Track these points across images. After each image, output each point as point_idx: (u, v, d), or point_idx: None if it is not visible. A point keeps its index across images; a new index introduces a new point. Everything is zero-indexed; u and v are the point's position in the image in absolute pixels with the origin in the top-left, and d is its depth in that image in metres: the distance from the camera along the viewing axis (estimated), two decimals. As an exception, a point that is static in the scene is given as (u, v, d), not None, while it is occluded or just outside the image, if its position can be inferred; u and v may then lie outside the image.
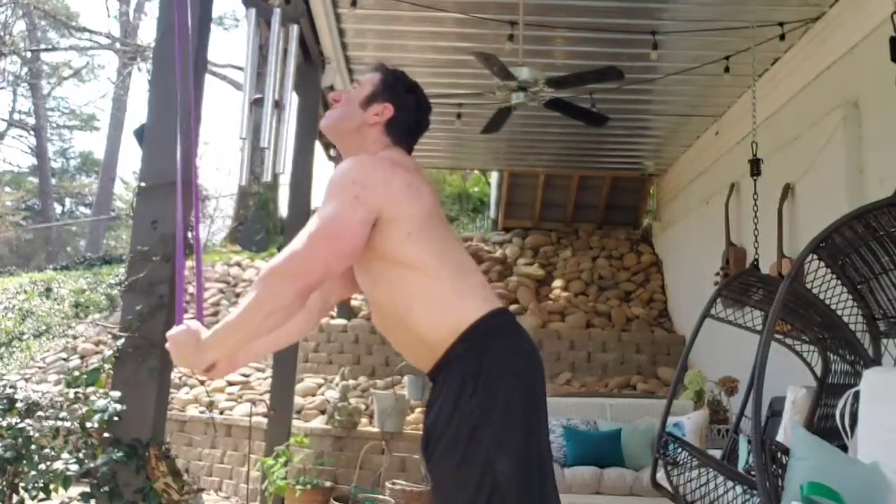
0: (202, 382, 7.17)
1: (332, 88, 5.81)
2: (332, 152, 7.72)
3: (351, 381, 6.66)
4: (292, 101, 3.11)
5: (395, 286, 1.72)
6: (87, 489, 2.62)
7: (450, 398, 1.64)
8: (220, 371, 1.75)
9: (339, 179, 1.71)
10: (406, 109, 1.89)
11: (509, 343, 1.70)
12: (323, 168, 7.54)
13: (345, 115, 1.88)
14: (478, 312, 1.69)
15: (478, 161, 8.95)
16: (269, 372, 6.53)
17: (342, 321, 7.89)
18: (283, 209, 10.70)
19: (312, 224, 1.66)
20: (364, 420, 6.16)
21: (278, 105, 2.72)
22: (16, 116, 23.49)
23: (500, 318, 1.72)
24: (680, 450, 3.20)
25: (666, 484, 3.27)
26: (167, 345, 1.72)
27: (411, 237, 1.69)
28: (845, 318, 3.17)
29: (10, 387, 2.73)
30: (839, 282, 3.11)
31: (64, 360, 8.51)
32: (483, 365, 1.63)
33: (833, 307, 3.15)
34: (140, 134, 3.06)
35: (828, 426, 3.14)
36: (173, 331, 1.72)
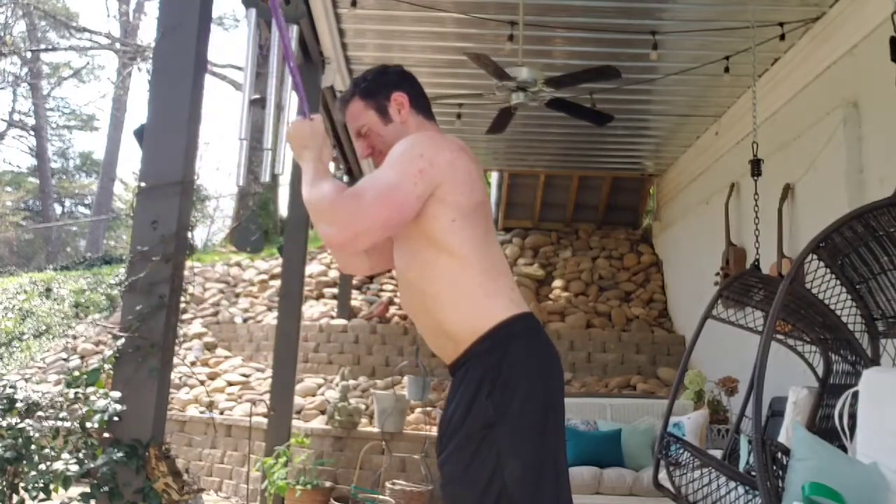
0: (202, 383, 7.17)
1: (331, 88, 5.81)
2: (333, 152, 7.70)
3: (351, 382, 6.66)
4: (292, 101, 3.11)
5: (427, 268, 1.73)
6: (87, 489, 2.62)
7: (466, 396, 1.65)
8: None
9: (408, 149, 1.71)
10: (407, 84, 1.92)
11: (531, 347, 1.70)
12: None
13: (386, 142, 1.86)
14: (503, 314, 1.69)
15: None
16: (269, 372, 6.53)
17: (342, 321, 7.89)
18: (284, 209, 10.69)
19: (373, 183, 1.67)
20: (364, 420, 6.16)
21: (278, 106, 2.72)
22: (16, 116, 23.52)
23: (525, 322, 1.72)
24: (682, 450, 3.20)
25: (668, 484, 3.27)
26: (293, 124, 1.87)
27: (455, 224, 1.70)
28: (844, 319, 3.17)
29: (10, 387, 2.73)
30: (838, 282, 3.11)
31: (64, 360, 8.51)
32: (503, 366, 1.64)
33: (832, 307, 3.15)
34: (140, 134, 3.06)
35: (830, 426, 3.13)
36: (304, 121, 1.86)
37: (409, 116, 1.88)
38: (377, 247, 1.92)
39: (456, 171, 1.71)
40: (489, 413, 1.61)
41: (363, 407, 6.32)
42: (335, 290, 8.61)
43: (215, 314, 8.84)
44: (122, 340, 2.79)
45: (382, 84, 1.89)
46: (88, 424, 2.67)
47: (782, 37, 4.83)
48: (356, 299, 8.46)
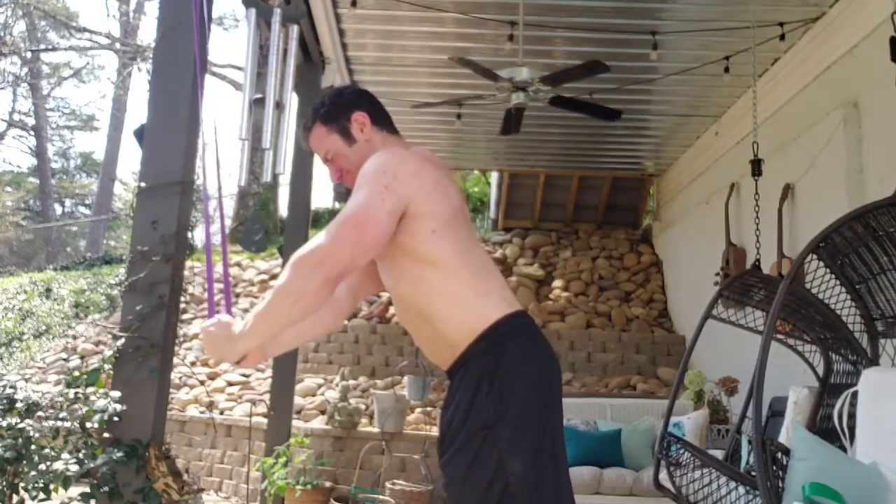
0: (202, 383, 7.17)
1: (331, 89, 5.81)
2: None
3: (351, 382, 6.66)
4: (292, 101, 3.11)
5: (417, 283, 1.73)
6: (87, 489, 2.62)
7: (466, 397, 1.65)
8: (250, 361, 1.81)
9: (371, 170, 1.72)
10: (365, 102, 1.93)
11: (527, 345, 1.70)
12: (323, 168, 7.54)
13: (353, 162, 1.86)
14: (497, 313, 1.70)
15: (478, 161, 8.95)
16: (269, 372, 6.53)
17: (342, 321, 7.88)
18: (284, 209, 10.69)
19: (342, 213, 1.68)
20: (364, 420, 6.16)
21: (278, 105, 2.72)
22: (16, 116, 23.51)
23: (520, 321, 1.73)
24: (682, 451, 3.20)
25: (668, 485, 3.27)
26: (200, 336, 1.77)
27: (435, 234, 1.70)
28: (844, 318, 3.17)
29: (10, 387, 2.73)
30: (838, 282, 3.11)
31: (64, 360, 8.51)
32: (500, 365, 1.64)
33: (832, 307, 3.15)
34: (140, 134, 3.06)
35: (830, 427, 3.13)
36: (206, 323, 1.80)
37: (372, 134, 1.88)
38: (370, 275, 1.93)
39: (422, 182, 1.71)
40: (489, 413, 1.61)
41: (363, 407, 6.32)
42: (335, 290, 8.61)
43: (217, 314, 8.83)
44: (122, 340, 2.80)
45: (341, 106, 1.90)
46: (88, 424, 2.67)
47: (782, 37, 4.83)
48: (356, 299, 8.45)
